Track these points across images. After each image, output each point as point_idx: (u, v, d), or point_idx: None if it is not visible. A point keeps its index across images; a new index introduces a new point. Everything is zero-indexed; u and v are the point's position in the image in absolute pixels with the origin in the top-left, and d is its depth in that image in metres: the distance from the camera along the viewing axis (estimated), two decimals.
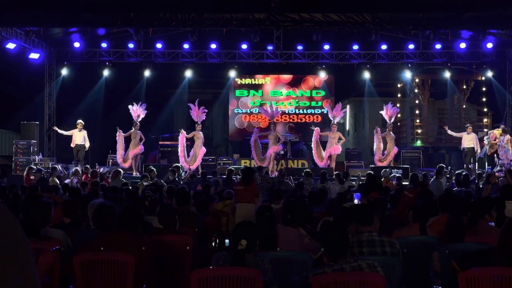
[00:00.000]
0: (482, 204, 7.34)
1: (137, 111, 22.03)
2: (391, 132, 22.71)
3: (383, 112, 23.34)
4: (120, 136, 21.75)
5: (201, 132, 21.84)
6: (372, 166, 22.41)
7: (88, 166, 19.82)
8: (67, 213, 7.78)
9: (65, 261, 5.84)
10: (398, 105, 32.39)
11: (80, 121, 21.55)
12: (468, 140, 21.61)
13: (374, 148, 22.84)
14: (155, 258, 5.92)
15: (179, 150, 21.83)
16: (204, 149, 21.90)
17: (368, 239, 5.63)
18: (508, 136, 20.82)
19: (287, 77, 29.05)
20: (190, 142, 22.22)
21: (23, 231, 1.58)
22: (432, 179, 16.50)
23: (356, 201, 9.55)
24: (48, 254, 5.48)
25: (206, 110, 22.72)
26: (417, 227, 6.85)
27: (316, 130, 22.61)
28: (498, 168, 20.48)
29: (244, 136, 26.81)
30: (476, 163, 21.66)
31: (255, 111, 28.73)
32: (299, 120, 28.98)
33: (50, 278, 5.47)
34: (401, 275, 5.63)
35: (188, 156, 21.79)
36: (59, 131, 22.07)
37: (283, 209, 6.81)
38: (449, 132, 23.08)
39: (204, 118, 22.64)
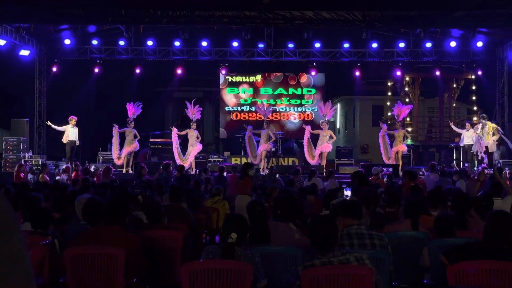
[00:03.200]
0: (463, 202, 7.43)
1: (133, 109, 22.00)
2: (400, 129, 22.40)
3: (394, 110, 23.36)
4: (115, 132, 21.68)
5: (195, 131, 21.79)
6: (363, 163, 22.47)
7: (78, 163, 19.79)
8: (56, 208, 7.81)
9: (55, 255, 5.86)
10: (388, 103, 32.68)
11: (73, 117, 21.49)
12: (467, 137, 21.69)
13: (381, 150, 22.77)
14: (146, 252, 5.94)
15: (173, 147, 21.80)
16: (199, 146, 21.85)
17: (357, 231, 5.68)
18: (482, 122, 21.14)
19: (278, 75, 29.09)
20: (182, 140, 22.20)
21: (14, 214, 1.61)
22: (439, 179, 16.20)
23: (347, 193, 9.59)
24: (38, 248, 5.48)
25: (201, 108, 22.75)
26: (408, 223, 6.89)
27: (307, 128, 22.64)
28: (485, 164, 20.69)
29: (234, 134, 26.81)
30: (476, 161, 21.74)
31: (246, 108, 28.78)
32: (290, 118, 29.03)
33: (40, 272, 5.48)
34: (392, 269, 5.67)
35: (184, 154, 21.79)
36: (53, 126, 21.95)
37: (273, 205, 6.83)
38: (453, 127, 23.24)
39: (199, 117, 22.64)
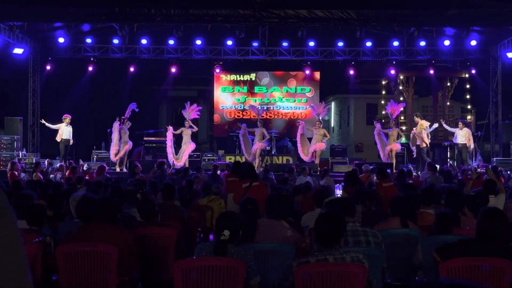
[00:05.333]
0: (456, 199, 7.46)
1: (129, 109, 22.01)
2: (394, 128, 22.42)
3: (387, 109, 23.41)
4: (116, 127, 21.61)
5: (190, 129, 21.80)
6: (357, 162, 22.49)
7: (72, 162, 19.75)
8: (50, 206, 7.81)
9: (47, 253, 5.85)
10: (382, 102, 32.70)
11: (67, 115, 21.47)
12: (461, 136, 21.73)
13: (379, 147, 22.86)
14: (139, 250, 5.94)
15: (166, 146, 21.78)
16: (193, 145, 21.88)
17: (352, 229, 5.71)
18: (415, 120, 22.09)
19: (272, 73, 29.09)
20: (176, 138, 22.20)
21: (7, 202, 1.63)
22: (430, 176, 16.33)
23: (338, 192, 9.62)
24: (31, 246, 5.47)
25: (201, 107, 22.83)
26: (397, 221, 6.90)
27: (302, 123, 22.67)
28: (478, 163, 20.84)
29: (229, 133, 26.80)
30: (473, 159, 21.81)
31: (240, 107, 28.78)
32: (284, 117, 29.04)
33: (32, 270, 5.46)
34: (386, 268, 5.69)
35: (177, 153, 21.79)
36: (46, 124, 21.89)
37: (266, 203, 6.84)
38: (445, 126, 23.34)
39: (196, 117, 22.67)
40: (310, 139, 22.64)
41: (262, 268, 5.47)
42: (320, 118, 22.89)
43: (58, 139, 21.28)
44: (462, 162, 21.58)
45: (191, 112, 22.14)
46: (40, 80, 25.27)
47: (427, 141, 21.83)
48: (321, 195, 8.92)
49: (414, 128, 22.23)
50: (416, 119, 22.32)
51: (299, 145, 22.61)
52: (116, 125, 21.63)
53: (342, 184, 12.22)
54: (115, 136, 21.69)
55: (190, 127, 21.86)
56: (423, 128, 21.71)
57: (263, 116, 23.99)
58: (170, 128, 21.88)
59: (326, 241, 4.66)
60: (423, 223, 7.42)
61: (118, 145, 21.67)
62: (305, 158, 22.25)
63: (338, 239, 4.70)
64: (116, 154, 21.68)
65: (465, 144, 21.59)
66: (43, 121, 22.29)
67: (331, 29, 23.48)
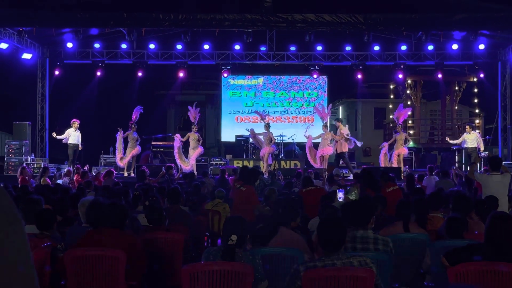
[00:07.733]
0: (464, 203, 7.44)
1: (136, 113, 22.05)
2: (401, 132, 22.27)
3: (395, 114, 23.35)
4: (120, 137, 21.64)
5: (197, 133, 21.81)
6: (365, 166, 22.44)
7: (80, 166, 19.80)
8: (57, 211, 7.82)
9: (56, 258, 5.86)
10: (390, 106, 32.65)
11: (76, 120, 21.48)
12: (471, 139, 21.52)
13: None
14: (147, 255, 5.94)
15: (174, 152, 21.76)
16: (201, 149, 21.87)
17: (363, 235, 5.65)
18: (337, 124, 22.43)
19: (280, 78, 29.11)
20: (183, 143, 22.22)
21: (17, 209, 1.63)
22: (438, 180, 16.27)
23: (340, 195, 9.58)
24: (39, 250, 5.48)
25: (199, 108, 22.80)
26: (401, 225, 6.87)
27: (310, 137, 22.56)
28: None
29: (236, 137, 26.82)
30: (482, 162, 21.69)
31: (248, 111, 28.79)
32: (292, 121, 29.03)
33: (40, 274, 5.48)
34: (394, 272, 5.66)
35: (187, 157, 21.80)
36: (58, 137, 21.72)
37: (273, 207, 6.83)
38: (450, 141, 23.13)
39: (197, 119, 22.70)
40: (316, 145, 22.54)
41: (270, 272, 5.46)
42: (325, 121, 22.78)
43: (61, 138, 21.31)
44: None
45: (196, 115, 22.17)
46: (49, 85, 25.32)
47: (346, 147, 21.89)
48: (325, 200, 8.89)
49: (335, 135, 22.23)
50: (337, 123, 22.34)
51: (308, 156, 22.52)
52: (119, 136, 21.62)
53: (347, 187, 12.13)
54: (119, 145, 21.70)
55: (197, 131, 21.89)
56: (344, 134, 21.78)
57: (270, 120, 23.92)
58: (178, 136, 21.86)
59: (332, 246, 4.65)
60: (434, 228, 7.38)
61: (122, 152, 21.71)
62: (315, 165, 22.17)
63: (342, 243, 4.69)
64: (121, 159, 21.70)
65: (475, 148, 21.39)
66: (54, 135, 22.00)
67: (339, 33, 23.45)
